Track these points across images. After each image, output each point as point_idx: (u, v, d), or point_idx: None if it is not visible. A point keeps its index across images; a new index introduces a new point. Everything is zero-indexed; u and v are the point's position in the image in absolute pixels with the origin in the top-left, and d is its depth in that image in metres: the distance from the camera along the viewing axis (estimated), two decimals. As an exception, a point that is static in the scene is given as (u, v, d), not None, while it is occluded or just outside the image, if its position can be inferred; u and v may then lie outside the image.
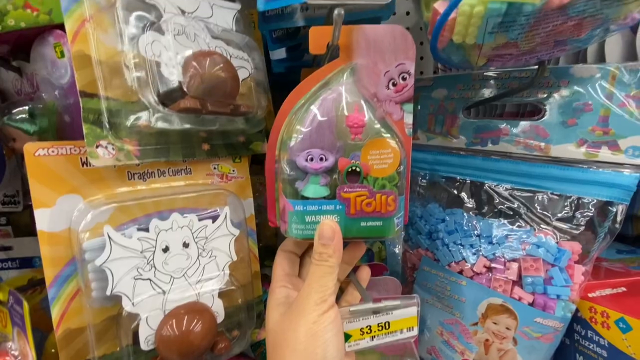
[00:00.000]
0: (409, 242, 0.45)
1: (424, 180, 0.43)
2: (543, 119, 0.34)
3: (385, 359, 0.32)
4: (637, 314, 0.31)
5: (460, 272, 0.37)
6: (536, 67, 0.33)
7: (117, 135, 0.24)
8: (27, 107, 0.32)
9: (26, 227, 0.46)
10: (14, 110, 0.32)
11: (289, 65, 0.46)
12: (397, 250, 0.55)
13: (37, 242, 0.46)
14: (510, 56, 0.28)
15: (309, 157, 0.25)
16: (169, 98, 0.24)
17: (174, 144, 0.27)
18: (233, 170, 0.33)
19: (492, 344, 0.35)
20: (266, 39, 0.40)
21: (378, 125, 0.26)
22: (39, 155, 0.22)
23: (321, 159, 0.25)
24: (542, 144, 0.34)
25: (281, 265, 0.29)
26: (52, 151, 0.23)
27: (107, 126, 0.23)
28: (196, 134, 0.29)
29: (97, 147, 0.23)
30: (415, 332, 0.26)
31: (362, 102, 0.26)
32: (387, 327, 0.25)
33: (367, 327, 0.24)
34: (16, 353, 0.29)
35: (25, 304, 0.25)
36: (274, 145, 0.28)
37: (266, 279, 0.52)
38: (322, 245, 0.24)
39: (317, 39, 0.27)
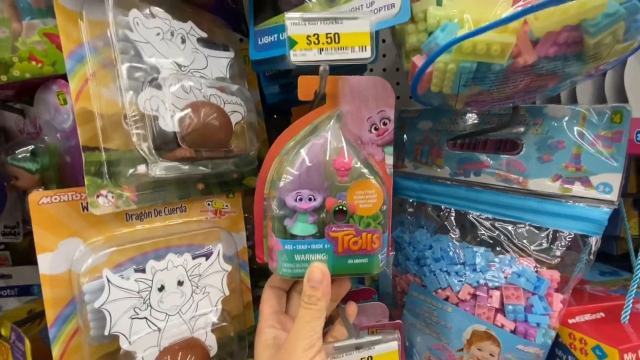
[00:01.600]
0: (398, 267, 0.46)
1: (412, 208, 0.45)
2: (520, 153, 0.36)
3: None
4: (613, 342, 0.33)
5: (446, 299, 0.38)
6: (512, 105, 0.35)
7: (116, 183, 0.25)
8: (29, 147, 0.34)
9: (24, 253, 0.47)
10: (17, 150, 0.33)
11: (282, 97, 0.48)
12: (388, 272, 0.57)
13: (35, 270, 0.47)
14: (485, 102, 0.30)
15: (298, 197, 0.27)
16: (165, 148, 0.25)
17: (170, 187, 0.29)
18: (226, 206, 0.35)
19: (477, 369, 0.36)
20: (260, 76, 0.42)
21: (362, 168, 0.28)
22: (42, 204, 0.24)
23: (310, 199, 0.27)
24: (520, 178, 0.36)
25: (269, 302, 0.29)
26: (55, 199, 0.24)
27: (107, 176, 0.25)
28: (191, 177, 0.30)
29: (97, 196, 0.24)
30: None
31: (348, 146, 0.28)
32: (369, 362, 0.26)
33: (350, 364, 0.26)
34: (17, 388, 0.30)
35: (27, 342, 0.26)
36: (263, 183, 0.29)
37: (259, 300, 0.53)
38: (311, 287, 0.25)
39: (305, 87, 0.29)
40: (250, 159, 0.33)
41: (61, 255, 0.24)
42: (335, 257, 0.27)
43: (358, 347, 0.26)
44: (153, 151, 0.24)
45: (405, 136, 0.46)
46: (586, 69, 0.25)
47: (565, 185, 0.33)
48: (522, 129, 0.36)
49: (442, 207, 0.41)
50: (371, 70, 0.62)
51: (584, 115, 0.33)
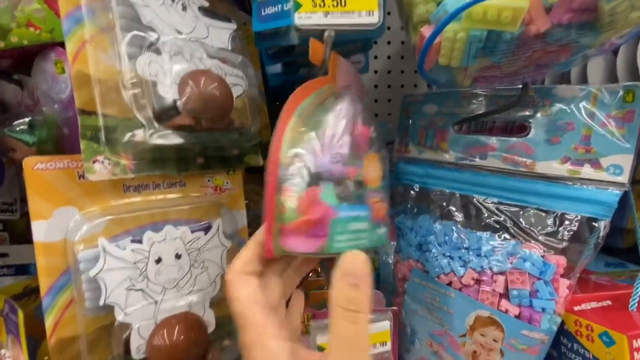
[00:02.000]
0: (399, 254, 0.45)
1: (415, 193, 0.44)
2: (528, 136, 0.35)
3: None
4: (621, 328, 0.32)
5: (449, 284, 0.38)
6: (519, 86, 0.34)
7: (113, 150, 0.25)
8: (27, 119, 0.33)
9: (22, 234, 0.47)
10: (15, 122, 0.33)
11: (285, 79, 0.48)
12: (390, 260, 0.56)
13: (33, 249, 0.46)
14: (495, 77, 0.29)
15: (335, 159, 0.23)
16: (164, 116, 0.25)
17: (169, 158, 0.28)
18: (226, 183, 0.34)
19: (479, 355, 0.36)
20: (262, 54, 0.42)
21: (376, 139, 0.27)
22: (37, 169, 0.23)
23: (337, 164, 0.24)
24: (528, 161, 0.35)
25: (256, 302, 0.21)
26: (50, 165, 0.24)
27: (104, 142, 0.24)
28: (191, 148, 0.29)
29: (94, 162, 0.24)
30: (388, 347, 0.27)
31: (367, 115, 0.27)
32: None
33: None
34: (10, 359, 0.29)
35: (20, 313, 0.26)
36: (277, 152, 0.24)
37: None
38: (352, 286, 0.18)
39: (315, 50, 0.27)
40: (252, 134, 0.33)
41: (56, 224, 0.24)
42: (371, 226, 0.24)
43: None
44: (151, 117, 0.23)
45: (410, 121, 0.45)
46: (600, 39, 0.24)
47: (574, 168, 0.32)
48: (530, 111, 0.35)
49: (447, 191, 0.41)
50: (375, 57, 0.61)
51: (595, 95, 0.32)
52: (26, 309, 0.32)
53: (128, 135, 0.25)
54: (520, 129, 0.40)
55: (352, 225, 0.23)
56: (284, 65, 0.44)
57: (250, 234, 0.37)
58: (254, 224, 0.40)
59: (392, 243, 0.51)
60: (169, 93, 0.24)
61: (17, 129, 0.33)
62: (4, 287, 0.35)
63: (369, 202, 0.25)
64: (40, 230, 0.23)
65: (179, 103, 0.24)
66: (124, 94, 0.24)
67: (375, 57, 0.62)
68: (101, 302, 0.24)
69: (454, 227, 0.40)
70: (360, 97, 0.28)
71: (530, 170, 0.35)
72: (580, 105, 0.32)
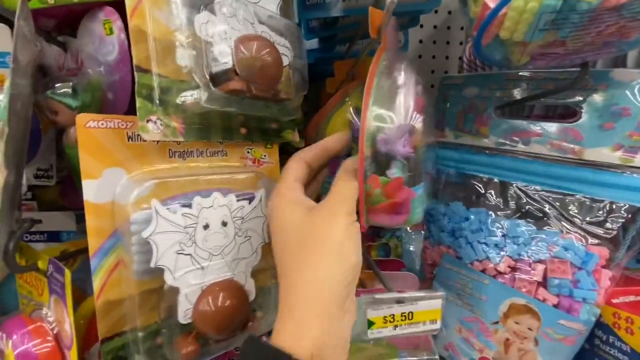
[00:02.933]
0: (429, 239, 0.45)
1: (449, 178, 0.43)
2: (578, 121, 0.34)
3: (396, 351, 0.32)
4: (664, 321, 0.31)
5: (483, 271, 0.37)
6: (573, 69, 0.33)
7: (165, 112, 0.24)
8: (70, 83, 0.33)
9: (52, 204, 0.47)
10: (57, 85, 0.33)
11: (320, 56, 0.47)
12: (412, 248, 0.56)
13: (65, 217, 0.46)
14: (555, 55, 0.28)
15: (405, 141, 0.24)
16: (218, 79, 0.24)
17: (215, 126, 0.28)
18: (264, 156, 0.34)
19: (512, 343, 0.35)
20: (302, 28, 0.41)
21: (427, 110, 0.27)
22: (89, 127, 0.23)
23: (407, 147, 0.24)
24: (576, 147, 0.34)
25: (294, 171, 0.26)
26: (102, 124, 0.23)
27: (157, 102, 0.24)
28: (235, 117, 0.29)
29: (147, 121, 0.23)
30: (438, 325, 0.26)
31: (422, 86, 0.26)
32: (410, 317, 0.25)
33: (390, 315, 0.25)
34: (52, 319, 0.29)
35: (67, 272, 0.26)
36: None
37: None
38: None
39: (375, 19, 0.26)
40: (294, 107, 0.32)
41: (105, 184, 0.24)
42: (425, 199, 0.27)
43: (399, 302, 0.25)
44: (207, 79, 0.23)
45: (447, 104, 0.44)
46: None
47: (627, 155, 0.31)
48: (582, 95, 0.34)
49: (484, 177, 0.40)
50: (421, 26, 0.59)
51: (656, 79, 0.30)
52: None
53: (180, 97, 0.24)
54: (561, 115, 0.38)
55: (423, 197, 0.26)
56: (321, 40, 0.43)
57: None
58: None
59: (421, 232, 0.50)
60: (224, 56, 0.24)
61: (61, 91, 0.32)
62: (40, 251, 0.35)
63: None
64: (90, 189, 0.23)
65: (234, 66, 0.23)
66: (179, 54, 0.24)
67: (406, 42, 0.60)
68: (152, 264, 0.23)
69: (490, 214, 0.39)
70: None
71: (577, 157, 0.34)
72: (638, 90, 0.31)
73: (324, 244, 0.22)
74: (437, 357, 0.32)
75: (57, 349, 0.29)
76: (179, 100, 0.24)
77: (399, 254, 0.54)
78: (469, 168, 0.41)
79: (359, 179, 0.25)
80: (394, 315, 0.26)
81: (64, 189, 0.46)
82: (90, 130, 0.23)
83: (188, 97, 0.24)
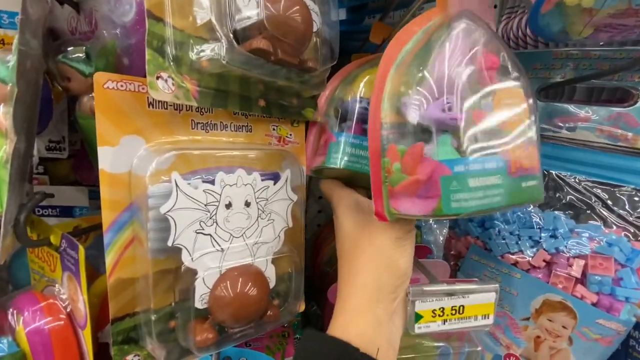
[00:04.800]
0: (455, 229, 0.42)
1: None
2: (635, 106, 0.30)
3: (433, 341, 0.30)
4: None
5: (515, 264, 0.35)
6: (632, 48, 0.30)
7: (178, 69, 0.22)
8: (83, 47, 0.30)
9: (64, 179, 0.46)
10: (70, 49, 0.30)
11: (346, 29, 0.43)
12: (431, 239, 0.53)
13: (78, 191, 0.45)
14: (623, 28, 0.25)
15: (447, 105, 0.19)
16: (241, 36, 0.21)
17: (233, 93, 0.25)
18: (290, 135, 0.31)
19: (544, 341, 0.33)
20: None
21: (512, 69, 0.22)
22: (107, 88, 0.21)
23: (450, 111, 0.19)
24: (630, 134, 0.31)
25: (338, 184, 0.28)
26: (121, 85, 0.21)
27: (170, 57, 0.21)
28: (254, 87, 0.26)
29: (157, 78, 0.21)
30: (491, 320, 0.24)
31: (496, 38, 0.22)
32: (461, 311, 0.23)
33: (439, 309, 0.23)
34: (64, 297, 0.28)
35: (81, 248, 0.24)
36: (376, 110, 0.21)
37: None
38: None
39: None
40: (317, 82, 0.29)
41: (122, 153, 0.21)
42: (509, 180, 0.21)
43: (450, 294, 0.23)
44: (229, 33, 0.20)
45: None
46: None
47: (689, 145, 0.28)
48: (639, 77, 0.31)
49: (521, 165, 0.37)
50: None
51: None
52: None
53: (196, 54, 0.21)
54: (624, 97, 0.35)
55: (475, 181, 0.19)
56: (349, 11, 0.40)
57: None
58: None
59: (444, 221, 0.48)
60: (250, 9, 0.21)
61: (73, 56, 0.30)
62: (53, 226, 0.34)
63: (505, 149, 0.21)
64: (106, 157, 0.21)
65: (261, 22, 0.21)
66: (196, 7, 0.21)
67: None
68: (170, 243, 0.22)
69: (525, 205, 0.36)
70: (484, 20, 0.23)
71: (631, 146, 0.31)
72: None
73: (376, 254, 0.23)
74: (479, 348, 0.30)
75: (70, 327, 0.28)
76: (194, 56, 0.22)
77: (419, 243, 0.52)
78: (504, 155, 0.38)
79: (372, 156, 0.21)
80: (443, 308, 0.23)
81: (76, 164, 0.45)
82: (108, 92, 0.21)
83: (207, 52, 0.21)
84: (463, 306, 0.23)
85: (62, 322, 0.28)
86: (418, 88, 0.21)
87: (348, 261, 0.25)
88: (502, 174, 0.20)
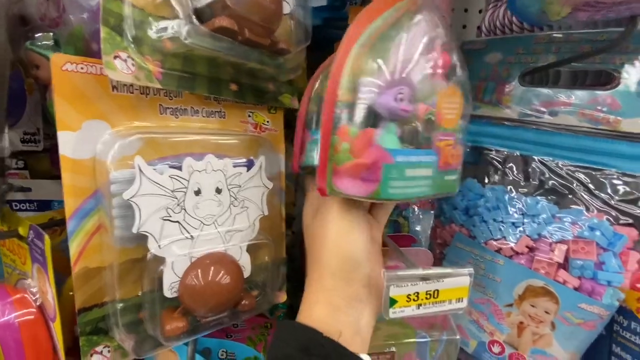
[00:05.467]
0: (441, 218, 0.42)
1: (465, 153, 0.40)
2: (616, 88, 0.30)
3: (413, 331, 0.30)
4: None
5: (498, 251, 0.35)
6: (613, 29, 0.29)
7: (139, 50, 0.21)
8: (51, 34, 0.30)
9: (46, 174, 0.45)
10: (38, 35, 0.29)
11: (328, 17, 0.43)
12: (418, 229, 0.53)
13: (56, 185, 0.44)
14: (602, 5, 0.24)
15: (400, 96, 0.20)
16: (204, 15, 0.20)
17: (201, 76, 0.24)
18: (267, 122, 0.31)
19: (527, 327, 0.33)
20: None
21: (458, 70, 0.23)
22: (67, 70, 0.20)
23: (409, 101, 0.21)
24: (611, 117, 0.30)
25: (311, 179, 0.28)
26: (82, 68, 0.20)
27: (129, 37, 0.20)
28: (224, 69, 0.25)
29: (115, 57, 0.20)
30: (464, 303, 0.24)
31: (449, 39, 0.23)
32: (435, 295, 0.23)
33: (414, 293, 0.22)
34: (35, 290, 0.27)
35: (47, 238, 0.23)
36: (335, 85, 0.21)
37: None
38: None
39: None
40: (293, 66, 0.29)
41: (85, 138, 0.21)
42: (437, 173, 0.23)
43: (425, 279, 0.23)
44: (190, 10, 0.19)
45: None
46: None
47: (670, 126, 0.28)
48: (621, 59, 0.30)
49: (504, 151, 0.37)
50: None
51: None
52: (51, 241, 0.30)
53: (156, 32, 0.21)
54: (600, 82, 0.34)
55: (411, 172, 0.21)
56: (331, -5, 0.39)
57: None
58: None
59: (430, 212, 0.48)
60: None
61: (41, 43, 0.29)
62: (28, 217, 0.33)
63: (440, 145, 0.23)
64: (67, 142, 0.20)
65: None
66: None
67: None
68: (134, 230, 0.21)
69: (509, 191, 0.36)
70: (444, 15, 0.23)
71: (613, 129, 0.30)
72: (689, 52, 0.27)
73: (327, 245, 0.24)
74: (458, 337, 0.30)
75: (41, 320, 0.27)
76: (154, 35, 0.21)
77: (407, 233, 0.52)
78: (487, 142, 0.38)
79: (323, 128, 0.21)
80: (418, 293, 0.23)
81: (54, 157, 0.44)
82: (67, 74, 0.20)
83: (167, 31, 0.20)
84: (437, 290, 0.23)
85: (33, 316, 0.27)
86: (376, 74, 0.21)
87: (309, 253, 0.26)
88: (434, 167, 0.23)
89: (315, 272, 0.24)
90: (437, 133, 0.23)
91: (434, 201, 0.46)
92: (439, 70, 0.22)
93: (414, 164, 0.21)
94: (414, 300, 0.22)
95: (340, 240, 0.23)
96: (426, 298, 0.23)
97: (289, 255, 0.50)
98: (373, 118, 0.21)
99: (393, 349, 0.27)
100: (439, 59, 0.22)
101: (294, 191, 0.47)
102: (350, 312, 0.23)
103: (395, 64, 0.21)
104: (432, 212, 0.47)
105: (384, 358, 0.27)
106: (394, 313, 0.22)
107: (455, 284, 0.23)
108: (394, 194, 0.21)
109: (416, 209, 0.52)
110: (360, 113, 0.21)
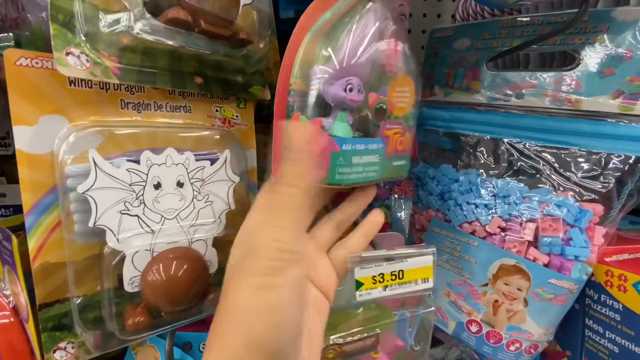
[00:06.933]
0: (418, 204, 0.43)
1: (439, 139, 0.41)
2: (576, 68, 0.31)
3: (389, 311, 0.30)
4: (659, 277, 0.30)
5: (473, 233, 0.35)
6: (574, 10, 0.30)
7: (93, 45, 0.21)
8: (11, 34, 0.29)
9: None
10: (-1, 37, 0.29)
11: (301, 9, 0.43)
12: (402, 216, 0.54)
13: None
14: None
15: (349, 86, 0.21)
16: (156, 4, 0.20)
17: (162, 69, 0.24)
18: (236, 116, 0.31)
19: (501, 304, 0.34)
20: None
21: (408, 58, 0.24)
22: (20, 65, 0.20)
23: (359, 91, 0.21)
24: (573, 97, 0.31)
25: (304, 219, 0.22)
26: (36, 62, 0.20)
27: (81, 33, 0.20)
28: (187, 62, 0.25)
29: (67, 54, 0.20)
30: (430, 283, 0.25)
31: (399, 29, 0.23)
32: (401, 276, 0.23)
33: (379, 275, 0.23)
34: (7, 292, 0.27)
35: (14, 239, 0.23)
36: (287, 72, 0.22)
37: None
38: (289, 161, 0.18)
39: None
40: (258, 57, 0.29)
41: (42, 132, 0.21)
42: (384, 159, 0.24)
43: (388, 259, 0.23)
44: (140, 3, 0.19)
45: (437, 59, 0.41)
46: None
47: (627, 103, 0.29)
48: (581, 39, 0.31)
49: (475, 135, 0.37)
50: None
51: (662, 16, 0.27)
52: (23, 246, 0.30)
53: (108, 28, 0.20)
54: (561, 64, 0.35)
55: (358, 159, 0.22)
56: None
57: (260, 180, 0.34)
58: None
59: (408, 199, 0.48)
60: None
61: (2, 44, 0.29)
62: (3, 220, 0.33)
63: (388, 133, 0.24)
64: (23, 137, 0.20)
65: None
66: None
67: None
68: (91, 223, 0.21)
69: (480, 174, 0.37)
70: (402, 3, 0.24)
71: (574, 108, 0.31)
72: (642, 29, 0.28)
73: (235, 309, 0.17)
74: (433, 308, 0.30)
75: (15, 323, 0.27)
76: (106, 30, 0.21)
77: (389, 222, 0.52)
78: (460, 127, 0.39)
79: (276, 115, 0.22)
80: (383, 274, 0.23)
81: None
82: (22, 69, 0.20)
83: (118, 24, 0.20)
84: (402, 271, 0.23)
85: (7, 320, 0.27)
86: (326, 63, 0.21)
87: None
88: (381, 154, 0.24)
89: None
90: (385, 122, 0.24)
91: (413, 189, 0.47)
92: (390, 60, 0.23)
93: (361, 151, 0.22)
94: (379, 282, 0.23)
95: (254, 322, 0.16)
96: (392, 279, 0.23)
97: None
98: (324, 107, 0.22)
99: (378, 330, 0.27)
100: (389, 48, 0.23)
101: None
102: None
103: (345, 53, 0.21)
104: (410, 199, 0.47)
105: (369, 341, 0.27)
106: (361, 296, 0.23)
107: (419, 263, 0.24)
108: (340, 180, 0.21)
109: (397, 197, 0.53)
110: (311, 102, 0.21)
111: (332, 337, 0.25)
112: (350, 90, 0.21)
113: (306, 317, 0.19)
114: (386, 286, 0.23)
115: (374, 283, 0.23)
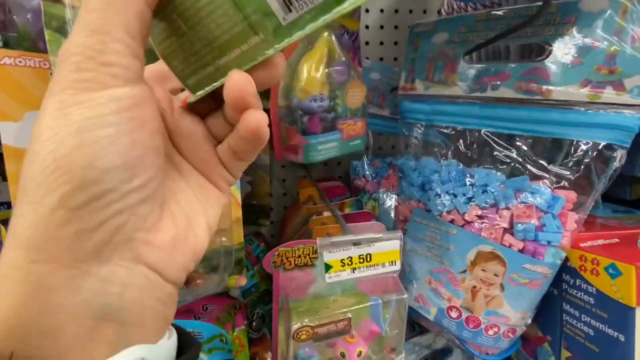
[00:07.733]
0: (401, 195, 0.44)
1: (420, 132, 0.42)
2: (547, 59, 0.32)
3: (366, 297, 0.32)
4: (628, 259, 0.31)
5: (452, 222, 0.36)
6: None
7: None
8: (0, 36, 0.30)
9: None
10: (-14, 37, 0.30)
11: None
12: (388, 208, 0.55)
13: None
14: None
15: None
16: None
17: None
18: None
19: (479, 290, 0.35)
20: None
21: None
22: (5, 65, 0.21)
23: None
24: (544, 87, 0.32)
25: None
26: (20, 61, 0.21)
27: None
28: None
29: None
30: (397, 266, 0.26)
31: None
32: (368, 259, 0.25)
33: (347, 258, 0.24)
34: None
35: (2, 229, 0.25)
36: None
37: (260, 235, 0.51)
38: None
39: None
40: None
41: (28, 128, 0.22)
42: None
43: (356, 244, 0.24)
44: None
45: (417, 53, 0.42)
46: None
47: (595, 91, 0.30)
48: (550, 30, 0.32)
49: (454, 127, 0.38)
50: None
51: (625, 7, 0.28)
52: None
53: None
54: (539, 51, 0.36)
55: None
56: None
57: (250, 182, 0.39)
58: (254, 174, 0.41)
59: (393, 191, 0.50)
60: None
61: (-10, 46, 0.30)
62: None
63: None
64: (9, 132, 0.21)
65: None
66: None
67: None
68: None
69: (459, 164, 0.38)
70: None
71: (545, 98, 0.32)
72: (607, 19, 0.29)
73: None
74: (405, 296, 0.32)
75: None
76: None
77: (378, 215, 0.53)
78: (440, 119, 0.40)
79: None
80: (351, 257, 0.25)
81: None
82: (6, 68, 0.21)
83: None
84: (370, 254, 0.25)
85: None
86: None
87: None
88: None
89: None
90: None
91: (398, 182, 0.48)
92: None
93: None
94: (348, 264, 0.24)
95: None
96: (360, 262, 0.24)
97: (266, 245, 0.52)
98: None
99: (349, 315, 0.28)
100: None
101: (269, 182, 0.48)
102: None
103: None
104: (394, 191, 0.48)
105: (341, 325, 0.28)
106: (330, 278, 0.24)
107: (386, 247, 0.25)
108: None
109: (384, 190, 0.54)
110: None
111: (305, 319, 0.26)
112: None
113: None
114: (355, 268, 0.24)
115: (342, 266, 0.24)
